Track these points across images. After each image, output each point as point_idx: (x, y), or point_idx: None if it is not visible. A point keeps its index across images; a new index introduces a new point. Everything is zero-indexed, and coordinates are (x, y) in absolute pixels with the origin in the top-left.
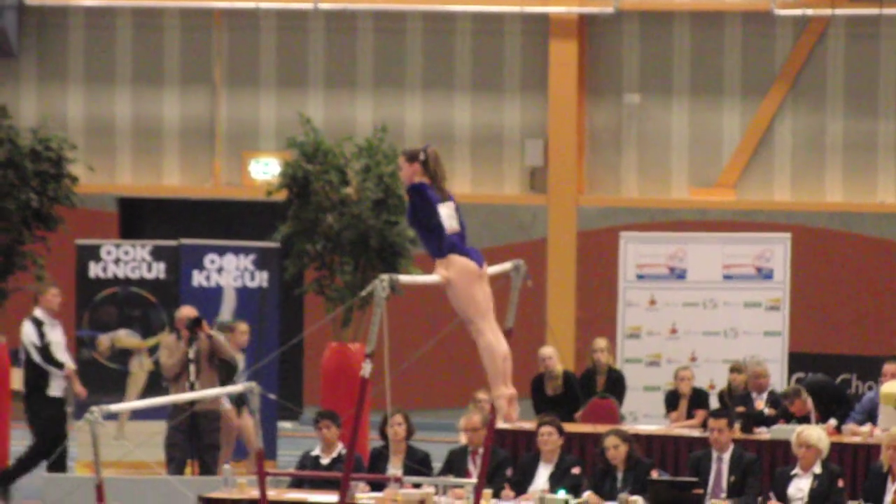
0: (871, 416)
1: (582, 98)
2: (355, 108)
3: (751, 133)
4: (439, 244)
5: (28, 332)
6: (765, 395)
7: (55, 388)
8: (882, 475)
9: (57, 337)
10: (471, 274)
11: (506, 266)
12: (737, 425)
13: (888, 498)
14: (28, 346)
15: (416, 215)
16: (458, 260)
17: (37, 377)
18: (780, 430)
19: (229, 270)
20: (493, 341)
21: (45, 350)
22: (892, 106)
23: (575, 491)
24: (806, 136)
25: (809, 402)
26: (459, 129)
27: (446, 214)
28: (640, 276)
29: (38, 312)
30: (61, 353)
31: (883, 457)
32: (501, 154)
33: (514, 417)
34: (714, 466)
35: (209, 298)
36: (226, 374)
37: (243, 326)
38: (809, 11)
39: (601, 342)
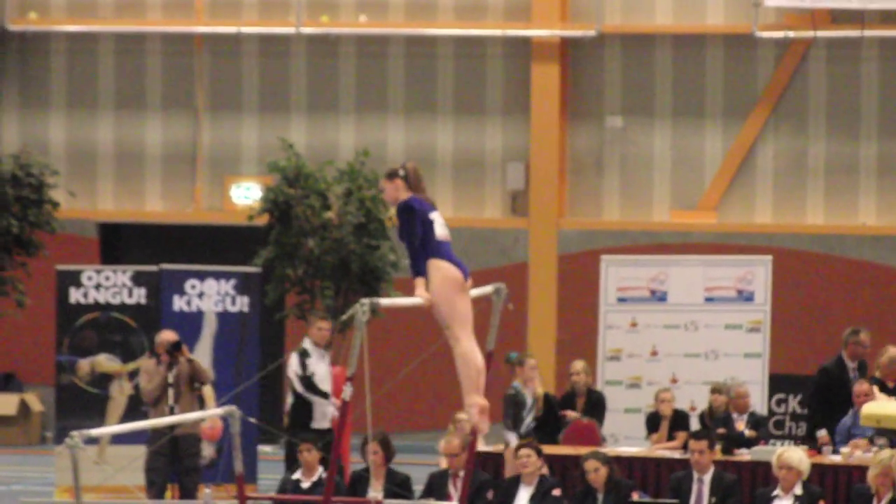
0: (848, 440)
1: (564, 121)
2: (338, 133)
3: (732, 156)
4: (426, 251)
5: (292, 362)
6: (745, 417)
7: (319, 420)
8: (867, 497)
9: (322, 369)
10: (456, 282)
11: (487, 289)
12: (717, 447)
13: None
14: (292, 377)
15: (406, 231)
16: (444, 265)
17: (300, 409)
18: (760, 452)
19: (210, 295)
20: (469, 350)
21: (307, 380)
22: (874, 128)
23: None
24: (788, 158)
25: None
26: (441, 153)
27: (438, 223)
28: (621, 299)
29: (306, 343)
30: (325, 384)
31: (870, 479)
32: (483, 177)
33: (485, 430)
34: (695, 488)
35: (190, 323)
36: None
37: (532, 362)
38: (791, 34)
39: (578, 365)
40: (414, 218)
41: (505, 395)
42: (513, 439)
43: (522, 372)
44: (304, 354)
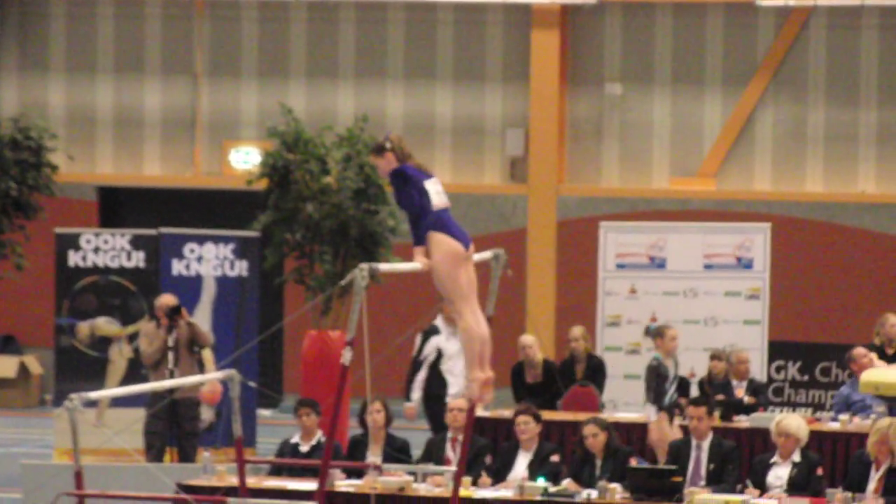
0: (848, 407)
1: (563, 88)
2: (336, 98)
3: (732, 123)
4: (425, 220)
5: (421, 341)
6: (745, 383)
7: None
8: (865, 463)
9: (452, 347)
10: (456, 256)
11: (486, 255)
12: (716, 413)
13: (871, 486)
14: (429, 352)
15: (403, 199)
16: (444, 240)
17: (436, 384)
18: (759, 419)
19: (209, 259)
20: (473, 324)
21: (414, 364)
22: (874, 96)
23: (554, 479)
24: (787, 126)
25: None
26: (441, 119)
27: (434, 190)
28: (620, 266)
29: (438, 320)
30: (455, 361)
31: (869, 446)
32: (482, 144)
33: (487, 401)
34: (693, 454)
35: (189, 287)
36: None
37: (672, 332)
38: (791, 2)
39: (576, 331)
40: (409, 184)
41: (647, 366)
42: (653, 413)
43: (663, 343)
44: (428, 334)
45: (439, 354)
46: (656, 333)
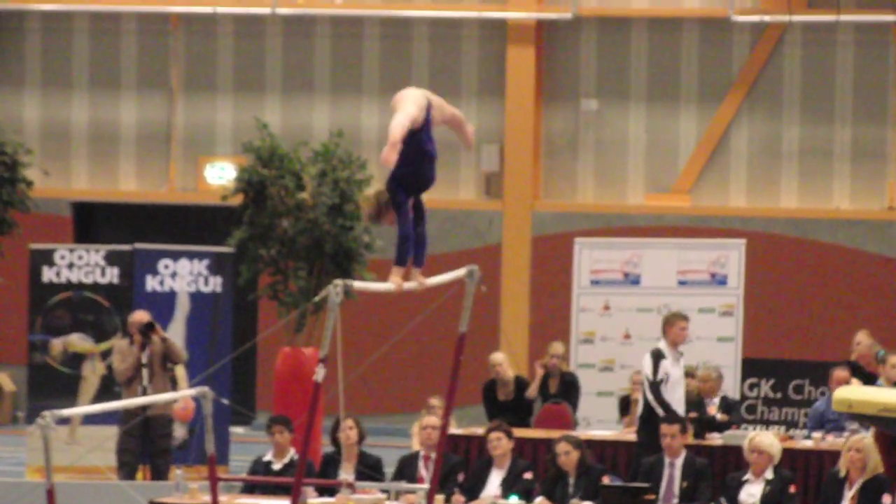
0: (821, 424)
1: (539, 104)
2: (312, 114)
3: (707, 139)
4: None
5: (645, 363)
6: (717, 400)
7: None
8: (839, 481)
9: (676, 373)
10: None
11: (460, 271)
12: (689, 431)
13: None
14: (643, 377)
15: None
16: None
17: (647, 411)
18: (732, 436)
19: (183, 275)
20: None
21: (655, 386)
22: (848, 113)
23: (527, 496)
24: (762, 142)
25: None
26: None
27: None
28: (595, 282)
29: (661, 344)
30: (677, 389)
31: (842, 461)
32: (457, 159)
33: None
34: (666, 472)
35: (163, 303)
36: None
37: (893, 359)
38: (767, 18)
39: (558, 347)
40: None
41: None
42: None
43: (885, 370)
44: (658, 356)
45: (665, 379)
46: (881, 360)
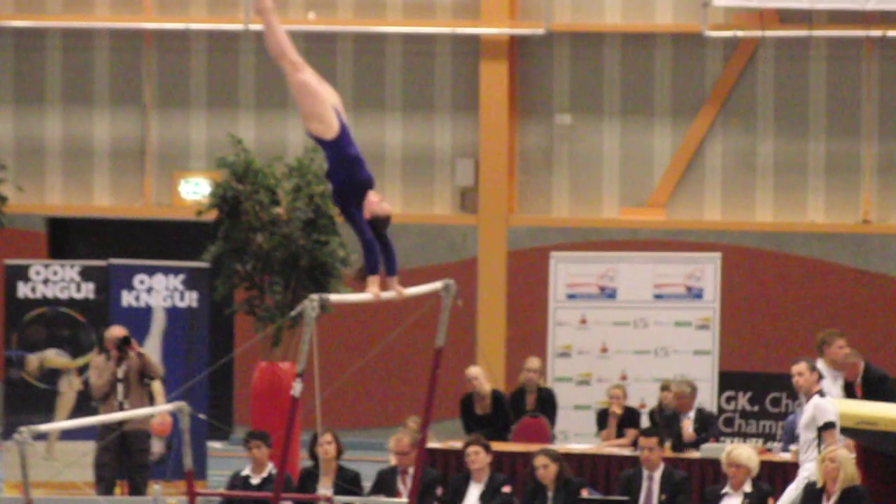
0: (794, 438)
1: (513, 118)
2: (286, 129)
3: (681, 153)
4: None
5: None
6: (692, 415)
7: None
8: (816, 492)
9: (835, 392)
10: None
11: (436, 285)
12: (667, 444)
13: None
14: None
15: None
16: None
17: None
18: (710, 450)
19: (159, 290)
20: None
21: None
22: (822, 127)
23: None
24: (736, 156)
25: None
26: (390, 149)
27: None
28: (571, 296)
29: (819, 364)
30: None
31: (818, 473)
32: (432, 174)
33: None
34: (645, 485)
35: (138, 318)
36: None
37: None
38: (740, 33)
39: (535, 362)
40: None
41: None
42: None
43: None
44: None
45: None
46: None
